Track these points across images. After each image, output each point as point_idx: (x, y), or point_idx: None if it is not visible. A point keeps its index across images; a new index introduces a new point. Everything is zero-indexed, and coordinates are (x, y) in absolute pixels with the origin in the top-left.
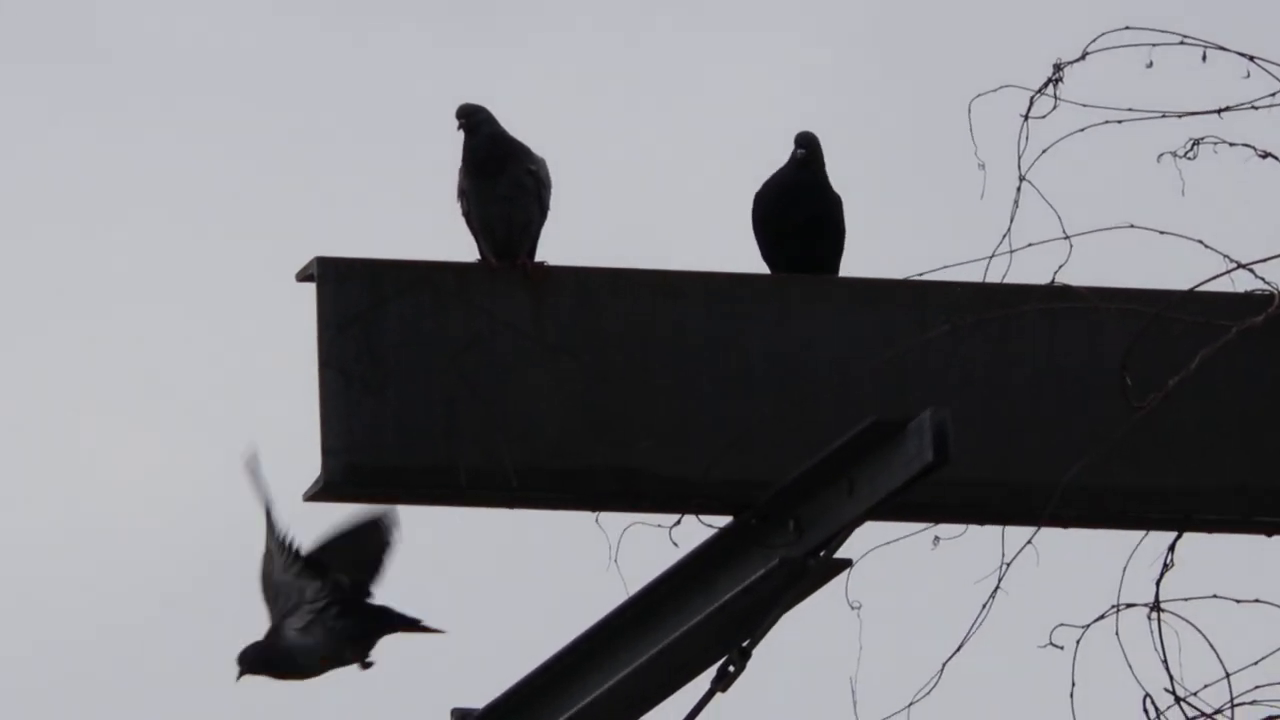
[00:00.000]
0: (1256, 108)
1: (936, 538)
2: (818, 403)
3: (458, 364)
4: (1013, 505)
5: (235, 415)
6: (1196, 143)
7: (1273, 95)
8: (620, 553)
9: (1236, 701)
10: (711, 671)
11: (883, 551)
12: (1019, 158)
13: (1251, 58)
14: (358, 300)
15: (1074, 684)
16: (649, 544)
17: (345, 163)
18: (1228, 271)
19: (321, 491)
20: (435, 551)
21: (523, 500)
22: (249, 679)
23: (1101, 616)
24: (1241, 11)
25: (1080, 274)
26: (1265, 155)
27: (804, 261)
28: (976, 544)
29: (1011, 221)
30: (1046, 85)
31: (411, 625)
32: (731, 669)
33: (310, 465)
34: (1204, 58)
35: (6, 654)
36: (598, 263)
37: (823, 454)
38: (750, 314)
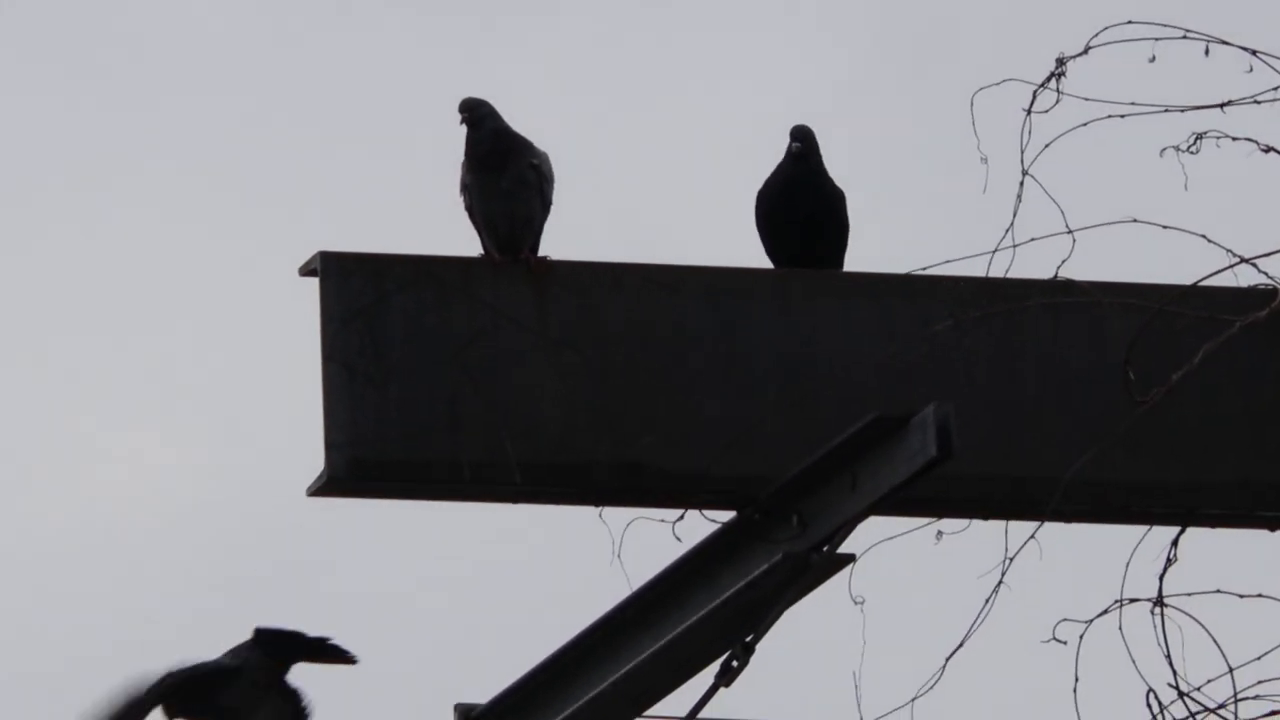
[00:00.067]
0: (1259, 102)
1: (940, 532)
2: (821, 398)
3: (461, 358)
4: (1016, 500)
5: (239, 410)
6: (1199, 137)
7: (1275, 90)
8: (623, 548)
9: (1240, 696)
10: (715, 666)
11: (886, 547)
12: (1022, 152)
13: (1254, 52)
14: (361, 295)
15: (1077, 679)
16: (652, 539)
17: (348, 157)
18: (1231, 266)
19: (325, 486)
20: (439, 547)
21: (526, 495)
22: None
23: (1105, 611)
24: (1244, 6)
25: (1083, 269)
26: (1268, 149)
27: (808, 257)
28: (979, 539)
29: (1014, 216)
30: (1049, 79)
31: (322, 651)
32: (735, 664)
33: (314, 460)
34: (1207, 52)
35: (7, 653)
36: (601, 257)
37: (826, 449)
38: (753, 309)
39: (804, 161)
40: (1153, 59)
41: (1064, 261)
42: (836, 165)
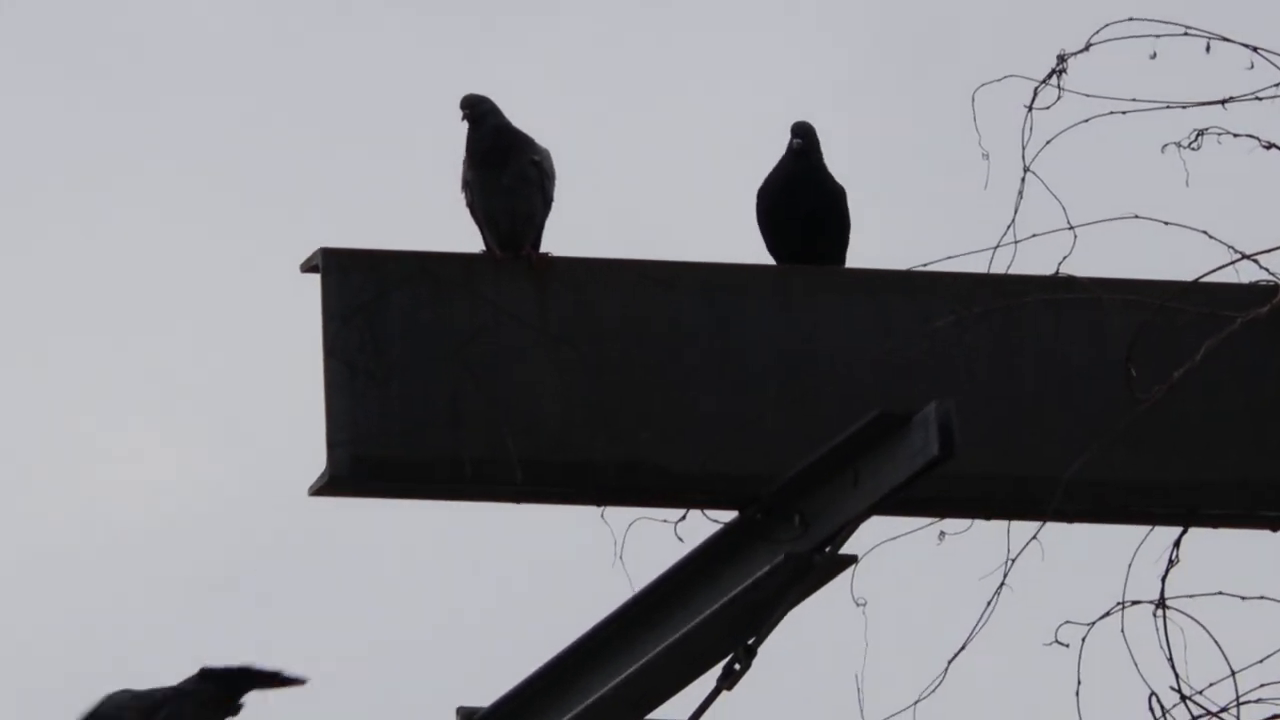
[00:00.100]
0: (1260, 98)
1: (942, 533)
2: (821, 394)
3: (462, 355)
4: (1017, 499)
5: (239, 408)
6: (1200, 133)
7: (1277, 86)
8: (625, 548)
9: (1242, 699)
10: (717, 669)
11: (888, 547)
12: (1023, 149)
13: (1255, 48)
14: (362, 291)
15: (1079, 681)
16: (654, 539)
17: (349, 155)
18: (1232, 262)
19: (327, 486)
20: (439, 546)
21: (527, 494)
22: None
23: (1107, 614)
24: (1245, 2)
25: (1084, 265)
26: (1269, 146)
27: (809, 254)
28: (981, 540)
29: (1016, 213)
30: (1051, 76)
31: (273, 680)
32: (737, 667)
33: (315, 459)
34: (1208, 49)
35: (6, 654)
36: (602, 254)
37: (827, 447)
38: (754, 305)
39: (805, 158)
40: (1154, 56)
41: (1065, 258)
42: (837, 162)
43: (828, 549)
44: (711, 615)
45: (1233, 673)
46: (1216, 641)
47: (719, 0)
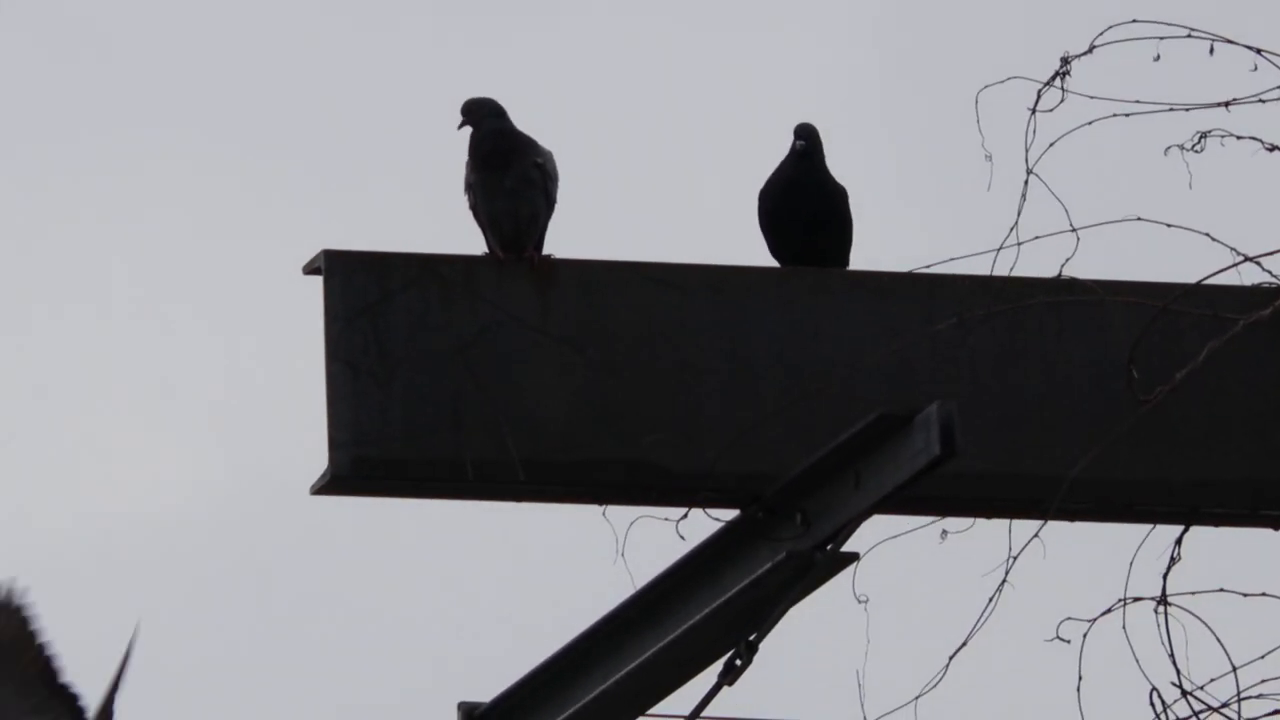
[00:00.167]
0: (1264, 101)
1: (944, 531)
2: (824, 396)
3: (464, 357)
4: (1019, 499)
5: (242, 409)
6: (1204, 136)
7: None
8: (627, 546)
9: (1243, 695)
10: (718, 665)
11: (890, 545)
12: (1026, 151)
13: (1259, 50)
14: (365, 293)
15: (1081, 678)
16: (656, 537)
17: (352, 155)
18: (1235, 265)
19: (329, 485)
20: (442, 545)
21: (529, 493)
22: None
23: (1108, 610)
24: (1249, 4)
25: (1087, 267)
26: (1273, 148)
27: (812, 255)
28: (983, 538)
29: (1019, 215)
30: (1054, 78)
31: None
32: (738, 663)
33: (317, 458)
34: (1211, 51)
35: None
36: (604, 255)
37: (829, 447)
38: (756, 307)
39: (807, 159)
40: (1157, 58)
41: (1068, 260)
42: (841, 163)
43: (829, 547)
44: (713, 612)
45: (1234, 668)
46: (1218, 638)
47: (723, 2)
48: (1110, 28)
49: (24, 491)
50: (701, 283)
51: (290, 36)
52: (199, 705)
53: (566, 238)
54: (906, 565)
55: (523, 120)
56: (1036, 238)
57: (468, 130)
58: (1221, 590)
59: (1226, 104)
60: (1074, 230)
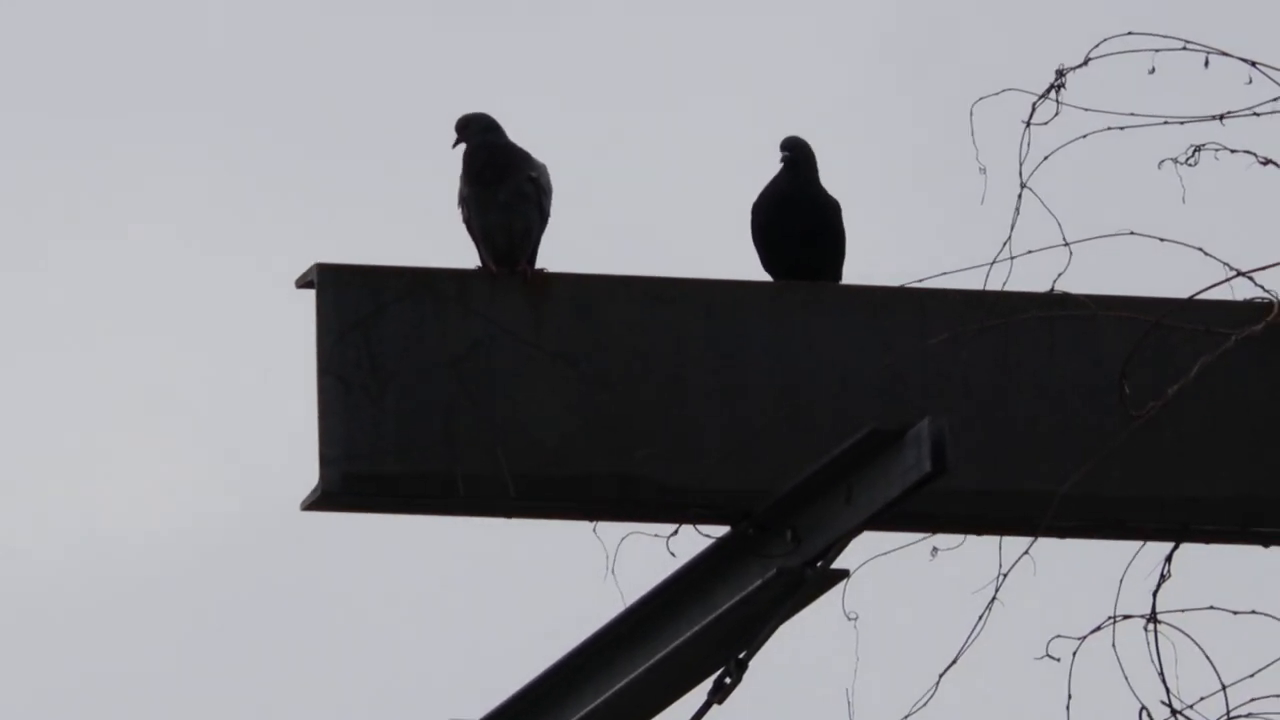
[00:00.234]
0: (1258, 114)
1: (934, 548)
2: (816, 411)
3: (457, 371)
4: (1010, 515)
5: (233, 423)
6: (1198, 149)
7: (1274, 101)
8: (618, 563)
9: (1233, 714)
10: (708, 683)
11: (880, 562)
12: (1020, 164)
13: (1253, 63)
14: (357, 307)
15: (1070, 696)
16: (646, 554)
17: (345, 168)
18: (1228, 279)
19: (319, 500)
20: (432, 561)
21: (521, 509)
22: None
23: (1098, 628)
24: (1244, 17)
25: (1080, 281)
26: (1266, 162)
27: (804, 269)
28: (973, 555)
29: (1012, 229)
30: (1049, 91)
31: None
32: (728, 681)
33: (308, 473)
34: (1206, 63)
35: (5, 662)
36: (598, 270)
37: (820, 463)
38: (749, 322)
39: (795, 171)
40: (1152, 70)
41: (1061, 274)
42: (834, 176)
43: (819, 564)
44: (703, 629)
45: (1223, 687)
46: (1207, 656)
47: (718, 17)
48: (1105, 40)
49: (17, 505)
50: (694, 297)
51: (284, 47)
52: (190, 711)
53: (561, 252)
54: (897, 582)
55: (518, 133)
56: (1029, 252)
57: (462, 146)
58: (1211, 608)
59: (1221, 117)
60: (1067, 244)
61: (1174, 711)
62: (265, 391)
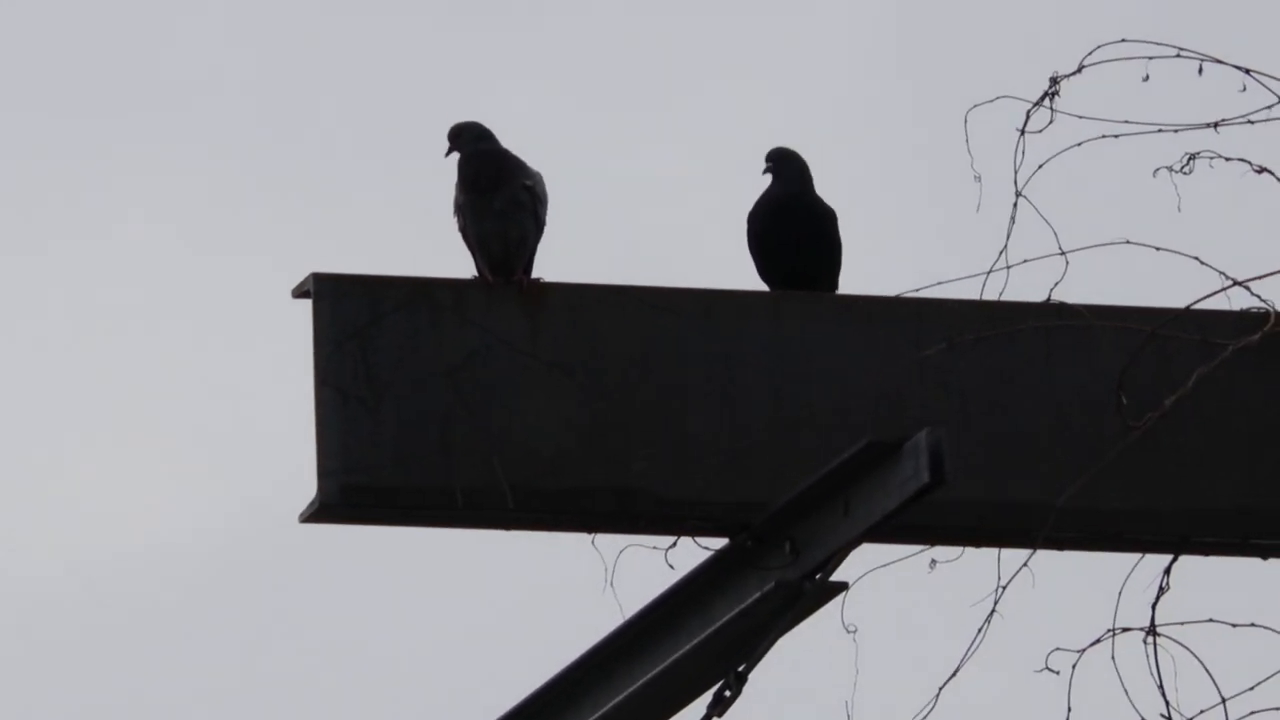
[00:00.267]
0: (1252, 122)
1: (933, 561)
2: (814, 422)
3: (453, 381)
4: (1008, 526)
5: (231, 435)
6: (1192, 157)
7: (1269, 109)
8: (616, 575)
9: None
10: (707, 696)
11: (879, 574)
12: (1015, 173)
13: (1248, 71)
14: (354, 317)
15: (1070, 708)
16: (645, 566)
17: (342, 178)
18: (1224, 289)
19: (317, 513)
20: (430, 573)
21: (519, 521)
22: None
23: (1097, 640)
24: (1238, 25)
25: (1076, 291)
26: (1261, 170)
27: (800, 278)
28: (972, 567)
29: (1008, 238)
30: (1043, 99)
31: None
32: (728, 693)
33: (306, 485)
34: (1200, 71)
35: (9, 668)
36: (595, 279)
37: (818, 475)
38: (746, 331)
39: (784, 182)
40: (1146, 78)
41: (1057, 284)
42: (830, 186)
43: (818, 576)
44: (702, 642)
45: (1223, 700)
46: (1207, 668)
47: (715, 26)
48: (1099, 48)
49: (11, 519)
50: (691, 306)
51: (281, 56)
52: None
53: (557, 261)
54: (895, 595)
55: (515, 141)
56: (1025, 261)
57: (455, 155)
58: (1211, 621)
59: (1215, 125)
60: (1063, 254)
61: None
62: (263, 401)
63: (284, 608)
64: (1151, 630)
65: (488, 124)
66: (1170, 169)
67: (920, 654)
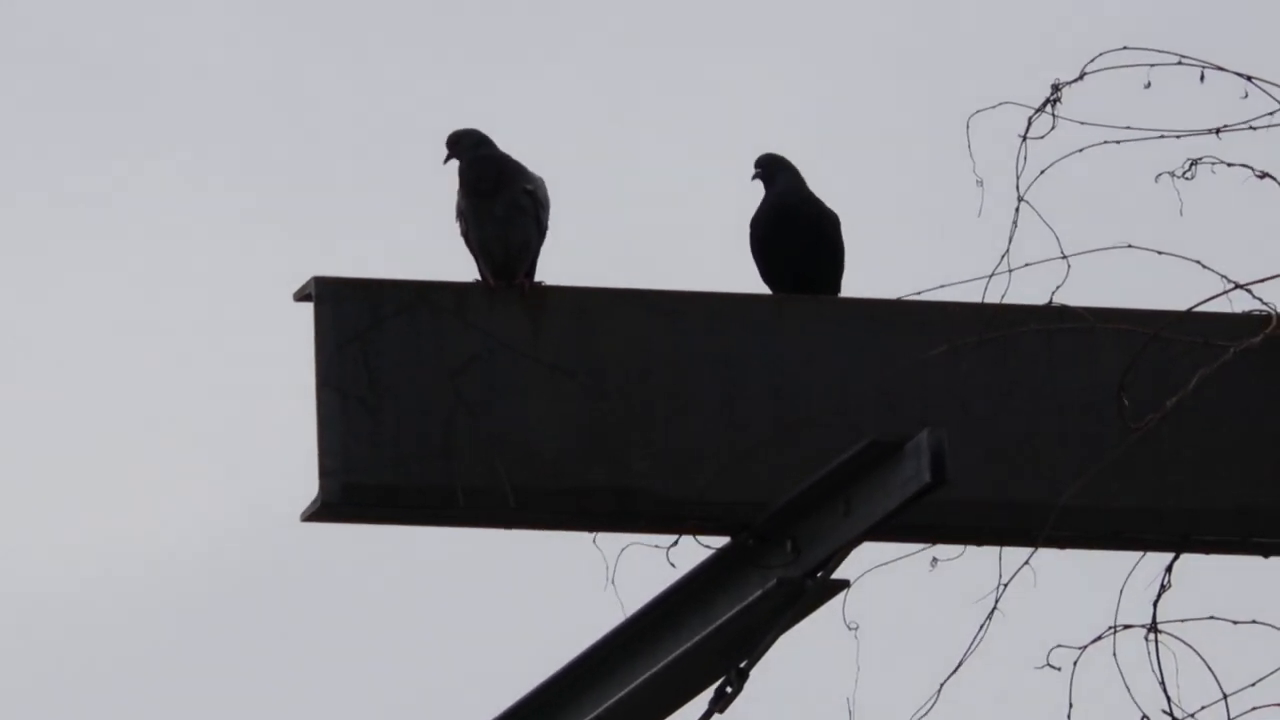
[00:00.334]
0: (1254, 128)
1: (934, 559)
2: (815, 423)
3: (455, 384)
4: (1010, 526)
5: (233, 435)
6: (1194, 163)
7: (1270, 115)
8: (618, 573)
9: None
10: (709, 693)
11: (880, 572)
12: (1018, 178)
13: (1249, 78)
14: (356, 320)
15: (1071, 705)
16: (647, 565)
17: (343, 182)
18: (1225, 292)
19: (319, 512)
20: (432, 572)
21: (520, 520)
22: None
23: (1099, 638)
24: (1240, 32)
25: (1078, 294)
26: (1263, 175)
27: (803, 281)
28: (974, 565)
29: (1010, 242)
30: (1045, 105)
31: None
32: (729, 690)
33: (308, 484)
34: (1202, 78)
35: (13, 670)
36: (596, 282)
37: (820, 474)
38: (748, 334)
39: (779, 186)
40: (1148, 85)
41: (1059, 287)
42: (832, 190)
43: (819, 574)
44: (703, 639)
45: (1224, 696)
46: (1208, 665)
47: (717, 30)
48: (1101, 54)
49: (15, 523)
50: (693, 309)
51: (283, 63)
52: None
53: (558, 264)
54: (897, 593)
55: (516, 146)
56: (1027, 265)
57: (454, 162)
58: (1212, 618)
59: (1217, 131)
60: (1065, 257)
61: None
62: (265, 403)
63: (285, 607)
64: (1153, 627)
65: (487, 129)
66: (1172, 174)
67: (921, 651)
